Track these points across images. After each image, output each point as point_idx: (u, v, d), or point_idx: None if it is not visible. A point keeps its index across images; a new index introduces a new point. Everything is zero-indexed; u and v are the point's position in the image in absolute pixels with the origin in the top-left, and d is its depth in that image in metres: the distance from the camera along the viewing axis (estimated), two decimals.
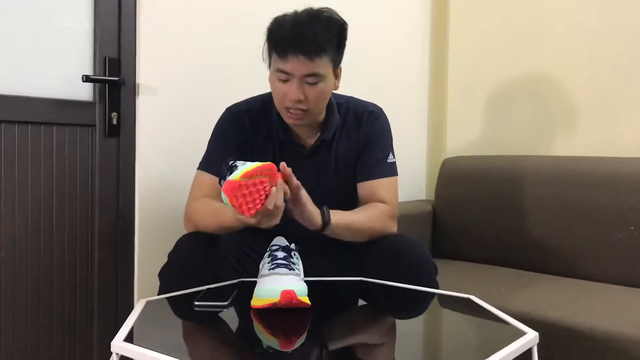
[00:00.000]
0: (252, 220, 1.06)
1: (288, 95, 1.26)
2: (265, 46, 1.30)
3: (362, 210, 1.35)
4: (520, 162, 2.06)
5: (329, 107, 1.40)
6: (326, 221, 1.22)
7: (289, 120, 1.32)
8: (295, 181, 1.14)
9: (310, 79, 1.25)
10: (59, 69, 1.55)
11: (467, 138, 2.44)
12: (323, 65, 1.25)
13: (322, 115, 1.39)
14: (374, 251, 1.31)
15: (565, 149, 2.12)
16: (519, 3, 2.26)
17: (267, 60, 1.32)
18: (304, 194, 1.18)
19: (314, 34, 1.22)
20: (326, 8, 1.28)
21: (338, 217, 1.25)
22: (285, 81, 1.26)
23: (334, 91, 1.42)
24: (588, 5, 2.06)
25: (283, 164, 1.11)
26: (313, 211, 1.20)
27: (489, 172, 2.13)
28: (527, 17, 2.23)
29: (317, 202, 1.22)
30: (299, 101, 1.26)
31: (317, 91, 1.27)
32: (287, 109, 1.29)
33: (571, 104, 2.11)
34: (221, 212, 1.23)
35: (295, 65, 1.23)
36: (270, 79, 1.32)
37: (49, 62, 1.53)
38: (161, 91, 1.67)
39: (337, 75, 1.34)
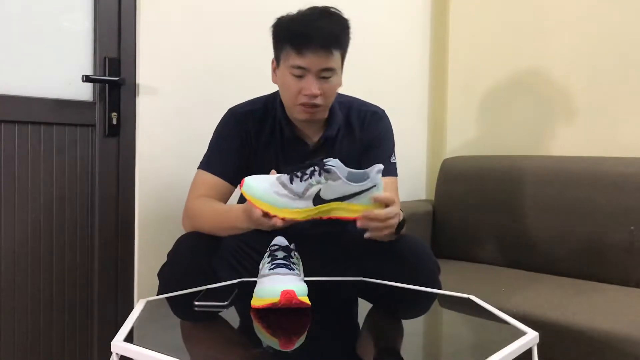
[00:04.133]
0: (257, 216, 1.07)
1: (304, 91, 1.27)
2: (275, 44, 1.32)
3: None
4: (520, 162, 2.06)
5: (332, 104, 1.40)
6: (403, 223, 1.19)
7: (302, 115, 1.32)
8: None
9: (325, 73, 1.27)
10: (59, 69, 1.55)
11: (467, 138, 2.44)
12: (336, 59, 1.29)
13: (327, 113, 1.40)
14: (376, 251, 1.31)
15: (565, 149, 2.12)
16: (519, 3, 2.26)
17: (276, 58, 1.33)
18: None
19: (330, 29, 1.26)
20: (331, 6, 1.30)
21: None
22: (300, 77, 1.27)
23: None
24: (588, 5, 2.06)
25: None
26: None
27: (489, 172, 2.13)
28: (527, 17, 2.23)
29: None
30: (315, 96, 1.27)
31: (330, 86, 1.30)
32: (302, 104, 1.30)
33: (571, 104, 2.11)
34: (227, 214, 1.23)
35: (313, 59, 1.25)
36: (282, 76, 1.32)
37: (49, 62, 1.53)
38: (161, 91, 1.67)
39: (342, 71, 1.36)
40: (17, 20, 1.47)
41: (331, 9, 1.29)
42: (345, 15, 1.31)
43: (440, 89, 2.53)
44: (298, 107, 1.31)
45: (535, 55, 2.20)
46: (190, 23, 1.72)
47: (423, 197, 2.53)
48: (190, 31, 1.72)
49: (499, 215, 2.06)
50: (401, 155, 1.55)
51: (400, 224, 1.19)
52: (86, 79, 1.54)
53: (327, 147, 1.41)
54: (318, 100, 1.29)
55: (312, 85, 1.26)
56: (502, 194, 2.06)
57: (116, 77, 1.60)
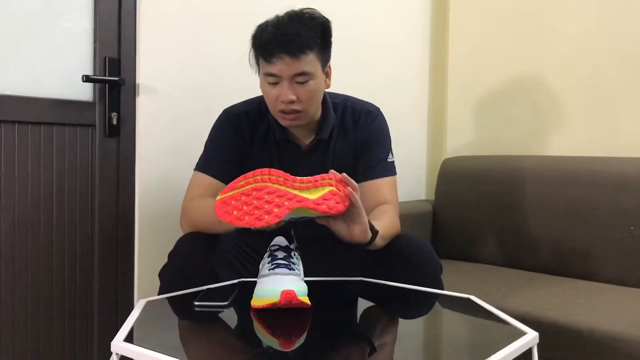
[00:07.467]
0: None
1: (280, 97, 1.27)
2: (252, 53, 1.32)
3: (380, 216, 1.30)
4: (520, 162, 2.06)
5: (325, 106, 1.40)
6: (376, 232, 1.19)
7: (284, 122, 1.33)
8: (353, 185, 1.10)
9: (299, 79, 1.26)
10: (59, 69, 1.55)
11: (467, 138, 2.44)
12: (310, 63, 1.26)
13: (318, 115, 1.39)
14: (379, 251, 1.31)
15: (565, 149, 2.12)
16: (518, 4, 2.26)
17: (256, 67, 1.33)
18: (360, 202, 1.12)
19: (296, 33, 1.23)
20: (308, 8, 1.29)
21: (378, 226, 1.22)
22: (275, 84, 1.27)
23: (330, 90, 1.42)
24: (588, 6, 2.06)
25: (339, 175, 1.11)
26: (367, 223, 1.15)
27: (489, 172, 2.13)
28: (527, 18, 2.23)
29: None
30: (292, 102, 1.27)
31: (308, 90, 1.28)
32: (282, 111, 1.30)
33: (571, 104, 2.11)
34: (212, 210, 1.24)
35: (282, 66, 1.24)
36: (261, 84, 1.32)
37: (49, 62, 1.53)
38: (161, 91, 1.67)
39: (327, 73, 1.35)
40: (17, 20, 1.47)
41: (305, 11, 1.27)
42: (325, 15, 1.29)
43: (440, 89, 2.53)
44: (278, 114, 1.31)
45: (535, 55, 2.20)
46: (190, 23, 1.72)
47: (423, 197, 2.54)
48: (190, 31, 1.72)
49: (499, 215, 2.06)
50: (401, 155, 1.55)
51: (373, 232, 1.18)
52: (86, 79, 1.54)
53: (321, 149, 1.41)
54: (296, 106, 1.28)
55: (286, 92, 1.26)
56: (502, 194, 2.06)
57: (116, 77, 1.60)
